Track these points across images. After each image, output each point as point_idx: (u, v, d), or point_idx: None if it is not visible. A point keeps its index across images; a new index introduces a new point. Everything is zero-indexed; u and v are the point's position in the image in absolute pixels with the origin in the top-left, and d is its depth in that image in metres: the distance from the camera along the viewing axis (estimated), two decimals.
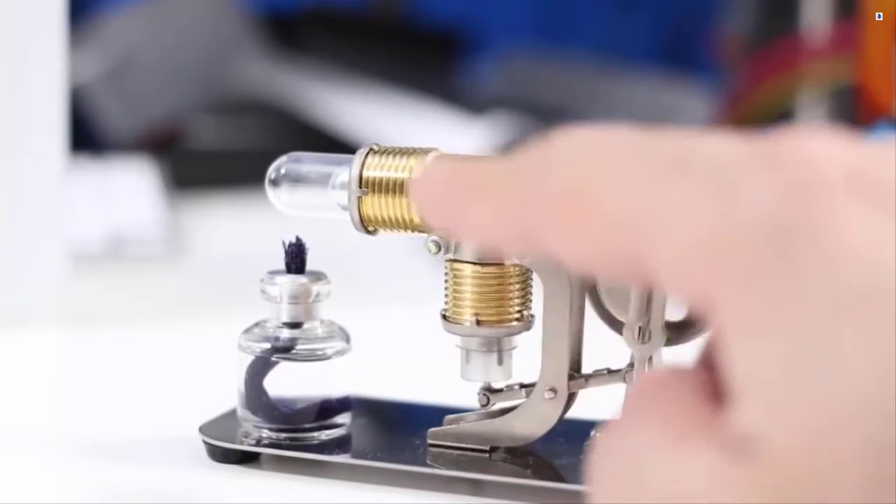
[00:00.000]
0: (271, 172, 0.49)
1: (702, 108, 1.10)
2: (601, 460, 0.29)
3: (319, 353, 0.49)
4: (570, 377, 0.47)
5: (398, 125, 0.98)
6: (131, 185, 0.92)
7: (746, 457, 0.26)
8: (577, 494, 0.45)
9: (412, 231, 0.48)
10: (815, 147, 0.28)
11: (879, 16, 0.94)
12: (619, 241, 0.28)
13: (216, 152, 1.04)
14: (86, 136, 0.98)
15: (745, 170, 0.27)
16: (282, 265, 0.50)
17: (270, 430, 0.49)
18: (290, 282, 0.49)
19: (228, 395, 0.51)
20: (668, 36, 1.32)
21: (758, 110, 0.98)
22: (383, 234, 0.49)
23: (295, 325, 0.49)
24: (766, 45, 0.99)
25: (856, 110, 0.93)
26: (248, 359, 0.49)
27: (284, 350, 0.49)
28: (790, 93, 0.96)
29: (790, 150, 0.28)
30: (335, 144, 0.95)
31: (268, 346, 0.49)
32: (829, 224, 0.26)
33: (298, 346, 0.49)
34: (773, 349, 0.26)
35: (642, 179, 0.28)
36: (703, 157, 0.28)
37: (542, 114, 1.07)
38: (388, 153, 0.48)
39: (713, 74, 1.11)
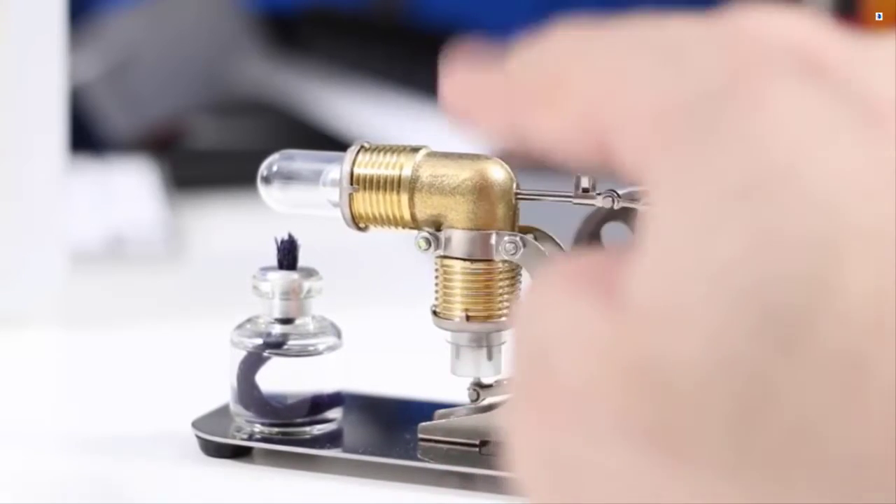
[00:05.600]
0: (263, 170, 0.50)
1: None
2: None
3: (311, 348, 0.50)
4: None
5: (398, 125, 0.99)
6: (131, 185, 0.92)
7: (615, 310, 0.27)
8: None
9: (402, 227, 0.48)
10: (771, 26, 0.28)
11: (879, 16, 0.94)
12: (582, 115, 0.29)
13: (216, 152, 1.04)
14: (86, 136, 0.99)
15: (698, 47, 0.28)
16: None
17: (262, 424, 0.50)
18: (281, 278, 0.50)
19: (224, 390, 0.51)
20: None
21: None
22: (374, 231, 0.49)
23: (287, 321, 0.50)
24: None
25: None
26: (241, 354, 0.50)
27: (276, 345, 0.50)
28: None
29: (745, 28, 0.28)
30: (335, 144, 0.95)
31: (260, 341, 0.50)
32: (760, 99, 0.26)
33: (290, 342, 0.50)
34: (673, 211, 0.26)
35: (606, 60, 0.29)
36: (663, 37, 0.29)
37: None
38: (379, 150, 0.49)
39: None
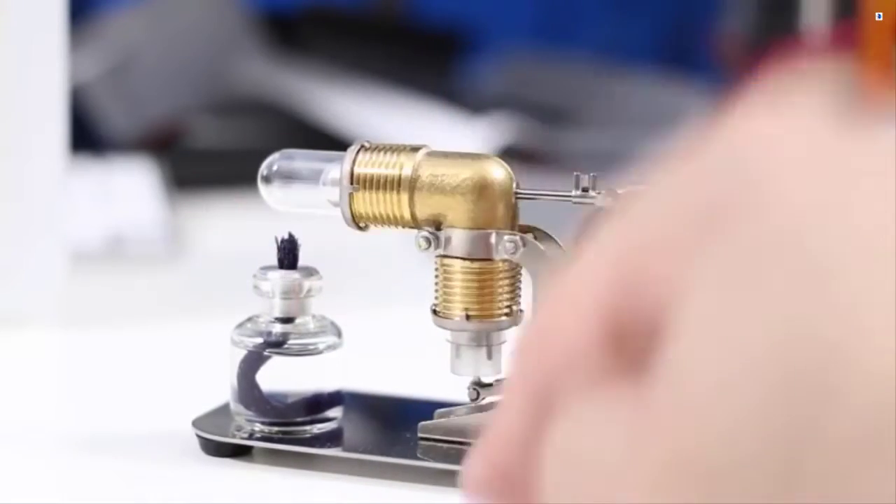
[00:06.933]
0: (263, 169, 0.50)
1: (701, 109, 1.10)
2: None
3: (311, 347, 0.50)
4: None
5: (398, 125, 0.99)
6: (131, 185, 0.92)
7: (646, 407, 0.27)
8: None
9: (402, 227, 0.49)
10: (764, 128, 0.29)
11: (879, 16, 0.94)
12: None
13: (216, 152, 1.04)
14: (86, 136, 0.99)
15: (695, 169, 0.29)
16: None
17: (263, 423, 0.50)
18: (282, 277, 0.50)
19: (224, 390, 0.51)
20: (668, 36, 1.32)
21: None
22: (374, 230, 0.49)
23: (287, 320, 0.50)
24: (765, 45, 0.99)
25: None
26: (241, 353, 0.50)
27: (276, 345, 0.50)
28: None
29: (739, 135, 0.29)
30: (335, 144, 0.95)
31: (260, 340, 0.50)
32: (767, 196, 0.27)
33: (290, 341, 0.50)
34: (699, 310, 0.27)
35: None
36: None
37: (542, 114, 1.07)
38: (379, 150, 0.49)
39: (713, 74, 1.12)
